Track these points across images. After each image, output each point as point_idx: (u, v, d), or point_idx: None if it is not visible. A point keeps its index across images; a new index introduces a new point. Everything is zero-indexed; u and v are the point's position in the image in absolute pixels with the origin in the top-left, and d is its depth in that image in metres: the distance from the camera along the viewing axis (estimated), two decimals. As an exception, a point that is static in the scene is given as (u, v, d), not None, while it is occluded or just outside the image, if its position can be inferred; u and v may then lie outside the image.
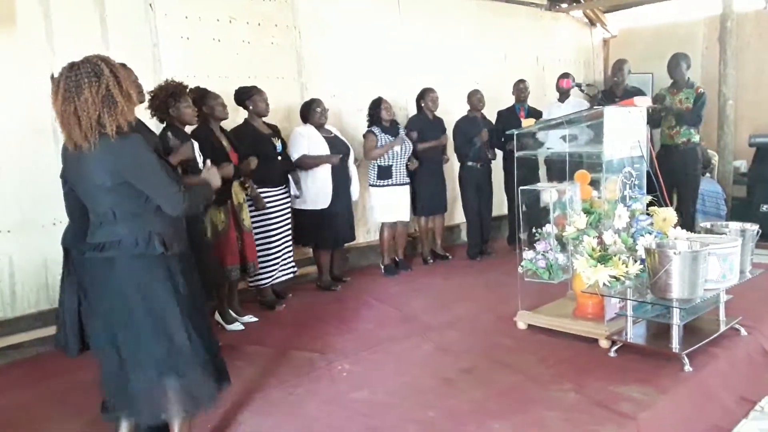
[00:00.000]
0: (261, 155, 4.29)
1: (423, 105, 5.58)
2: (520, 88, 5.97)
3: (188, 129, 3.86)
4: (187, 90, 3.75)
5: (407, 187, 5.42)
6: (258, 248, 4.37)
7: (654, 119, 5.36)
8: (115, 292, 2.26)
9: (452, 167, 5.91)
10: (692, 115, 5.44)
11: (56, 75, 2.21)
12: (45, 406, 3.15)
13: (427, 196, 5.61)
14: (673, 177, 5.38)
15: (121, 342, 2.28)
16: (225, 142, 4.06)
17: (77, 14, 4.08)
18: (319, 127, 4.85)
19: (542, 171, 5.71)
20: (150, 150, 2.25)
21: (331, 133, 4.96)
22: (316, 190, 4.81)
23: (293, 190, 4.72)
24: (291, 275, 4.73)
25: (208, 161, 2.66)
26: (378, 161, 5.22)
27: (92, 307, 2.42)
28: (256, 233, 4.39)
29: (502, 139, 5.68)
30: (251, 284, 4.57)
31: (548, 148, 4.48)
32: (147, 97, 3.59)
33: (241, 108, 4.50)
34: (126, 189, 2.21)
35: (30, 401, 3.23)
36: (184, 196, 2.26)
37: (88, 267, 2.35)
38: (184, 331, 2.30)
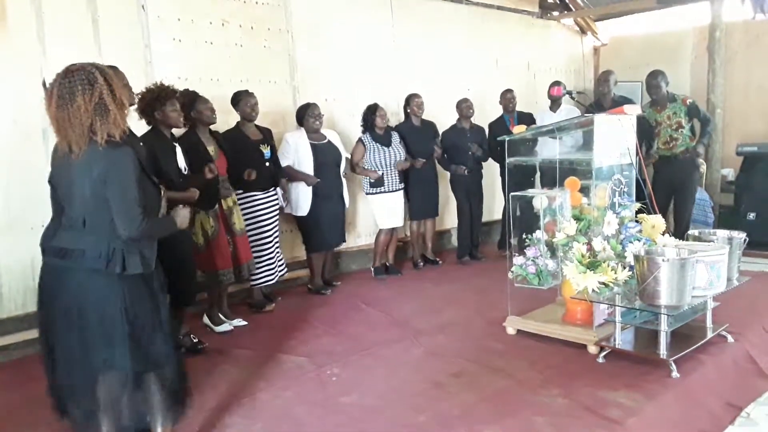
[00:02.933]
0: (249, 161, 4.29)
1: (409, 111, 5.59)
2: (508, 98, 5.96)
3: (177, 133, 3.85)
4: (176, 94, 3.72)
5: (401, 193, 5.45)
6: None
7: (647, 138, 5.37)
8: (69, 302, 2.24)
9: (443, 171, 5.92)
10: (706, 128, 5.39)
11: (48, 82, 2.21)
12: (31, 409, 3.10)
13: (418, 200, 5.63)
14: (672, 186, 5.43)
15: (71, 349, 2.26)
16: (212, 147, 4.03)
17: (69, 15, 4.07)
18: (314, 132, 4.86)
19: (537, 177, 5.73)
20: (135, 166, 2.22)
21: (325, 138, 4.97)
22: (296, 198, 4.89)
23: (281, 201, 4.76)
24: (279, 277, 4.72)
25: (185, 208, 2.61)
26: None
27: (46, 312, 2.36)
28: (248, 237, 4.37)
29: (498, 148, 5.70)
30: (250, 284, 4.58)
31: (539, 156, 4.50)
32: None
33: (231, 111, 4.49)
34: (101, 201, 2.19)
35: (16, 404, 3.20)
36: (142, 221, 2.21)
37: (47, 271, 2.32)
38: (126, 351, 2.26)
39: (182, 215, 2.52)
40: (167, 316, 2.44)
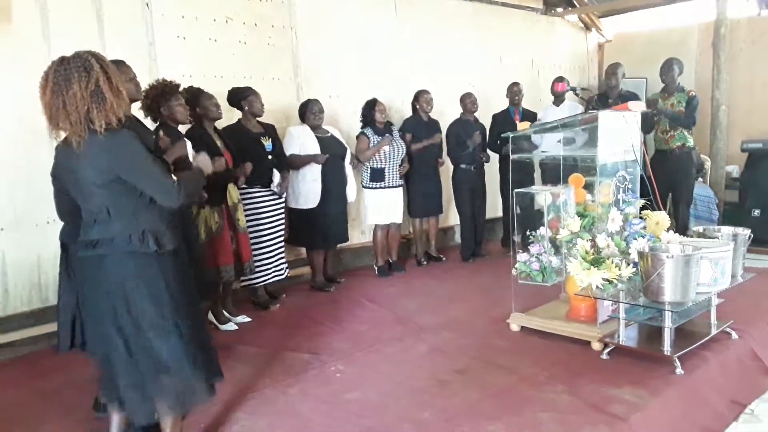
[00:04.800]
0: (251, 155, 4.29)
1: (417, 107, 5.59)
2: (514, 91, 5.99)
3: (183, 129, 3.86)
4: (180, 89, 3.74)
5: (401, 190, 5.44)
6: (252, 249, 4.35)
7: (647, 124, 5.38)
8: (108, 291, 2.25)
9: (447, 169, 5.92)
10: (687, 118, 5.48)
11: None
12: (38, 404, 3.14)
13: (422, 197, 5.63)
14: (668, 181, 5.42)
15: (114, 341, 2.27)
16: (219, 142, 4.06)
17: (74, 12, 4.08)
18: (315, 128, 4.86)
19: (537, 174, 5.74)
20: (140, 144, 2.23)
21: (328, 133, 4.97)
22: (306, 190, 4.82)
23: (275, 186, 4.56)
24: (282, 277, 4.72)
25: (202, 153, 2.62)
26: (371, 163, 5.23)
27: (87, 306, 2.42)
28: (249, 233, 4.38)
29: (498, 143, 5.72)
30: (243, 284, 4.56)
31: (543, 152, 4.50)
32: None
33: (235, 108, 4.50)
34: (118, 186, 2.20)
35: (23, 399, 3.22)
36: (179, 187, 2.24)
37: (82, 266, 2.35)
38: (174, 328, 2.29)
39: (203, 161, 2.54)
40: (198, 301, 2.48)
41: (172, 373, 2.30)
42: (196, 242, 3.56)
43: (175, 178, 2.29)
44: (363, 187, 5.35)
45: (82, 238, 2.30)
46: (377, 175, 5.26)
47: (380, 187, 5.28)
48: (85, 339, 2.71)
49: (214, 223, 3.96)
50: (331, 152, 4.87)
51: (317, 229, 4.91)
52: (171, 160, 3.36)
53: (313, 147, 4.78)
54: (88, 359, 2.62)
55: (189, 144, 3.70)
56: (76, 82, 2.10)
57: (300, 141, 4.78)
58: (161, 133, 3.60)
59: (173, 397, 2.33)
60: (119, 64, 2.76)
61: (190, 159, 3.60)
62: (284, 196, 4.72)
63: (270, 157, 4.50)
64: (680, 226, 5.35)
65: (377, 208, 5.32)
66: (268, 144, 4.50)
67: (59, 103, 2.11)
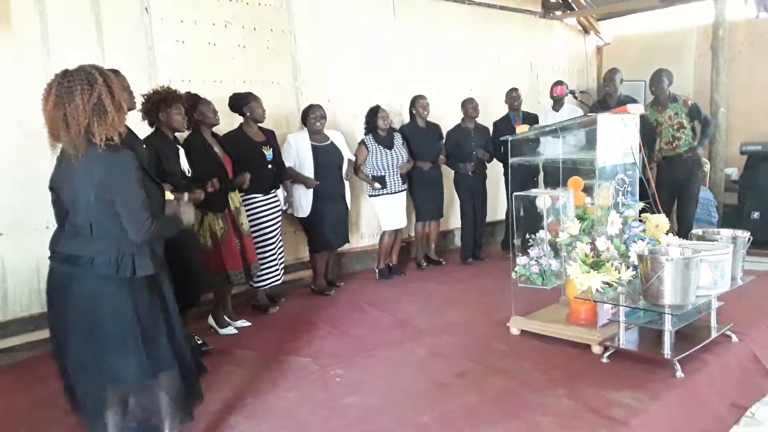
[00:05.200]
0: (251, 164, 4.30)
1: (414, 112, 5.59)
2: (513, 97, 6.00)
3: (181, 137, 3.86)
4: (182, 98, 3.72)
5: (404, 194, 5.45)
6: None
7: (649, 138, 5.36)
8: (79, 307, 2.24)
9: (448, 173, 5.92)
10: (706, 128, 5.43)
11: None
12: (37, 409, 3.13)
13: (424, 202, 5.64)
14: (676, 186, 5.42)
15: (82, 353, 2.27)
16: (217, 149, 4.06)
17: (73, 17, 4.08)
18: (316, 132, 4.87)
19: (541, 176, 5.72)
20: (137, 169, 2.22)
21: (328, 139, 4.98)
22: (299, 199, 4.91)
23: (282, 202, 4.76)
24: (278, 282, 4.71)
25: (185, 195, 2.61)
26: (371, 171, 5.25)
27: (54, 317, 2.36)
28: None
29: (502, 150, 5.71)
30: (253, 286, 4.58)
31: (542, 155, 4.49)
32: (140, 101, 3.58)
33: (237, 113, 4.50)
34: (107, 207, 2.19)
35: (25, 405, 3.21)
36: (151, 225, 2.22)
37: (54, 277, 2.32)
38: (135, 350, 2.27)
39: (188, 212, 2.52)
40: (178, 318, 2.45)
41: (135, 392, 2.32)
42: (191, 252, 3.54)
43: (151, 214, 2.25)
44: (369, 195, 5.38)
45: (60, 248, 2.28)
46: (379, 183, 5.27)
47: (384, 194, 5.29)
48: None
49: (219, 228, 3.97)
50: (327, 161, 4.91)
51: (317, 233, 4.97)
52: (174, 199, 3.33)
53: (306, 158, 4.82)
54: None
55: (183, 152, 3.71)
56: (79, 95, 2.11)
57: (296, 150, 4.83)
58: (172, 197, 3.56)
59: (140, 414, 2.34)
60: (114, 73, 2.76)
61: (183, 168, 3.62)
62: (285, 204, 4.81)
63: (270, 166, 4.51)
64: (685, 231, 5.33)
65: (388, 214, 5.36)
66: (268, 153, 4.51)
67: (61, 116, 2.12)
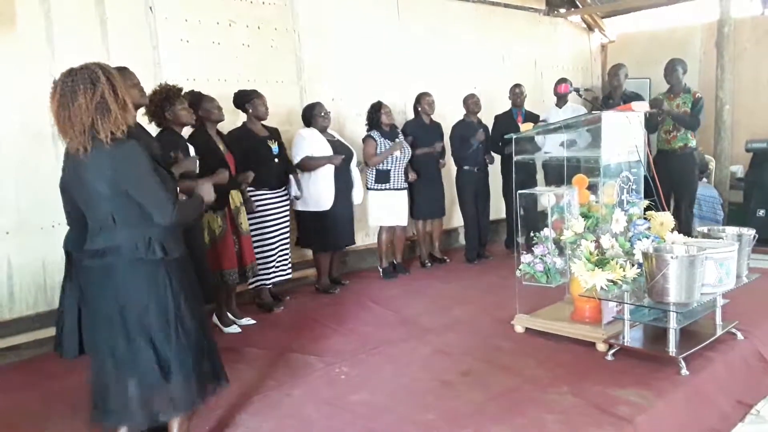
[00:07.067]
0: (257, 158, 4.30)
1: (419, 109, 5.59)
2: (517, 93, 6.00)
3: (185, 133, 3.87)
4: (182, 92, 3.75)
5: (405, 192, 5.43)
6: (255, 250, 4.37)
7: (651, 124, 5.37)
8: (113, 299, 2.26)
9: (450, 171, 5.93)
10: (692, 119, 5.47)
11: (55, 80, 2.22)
12: (43, 408, 3.15)
13: (425, 200, 5.62)
14: (670, 182, 5.41)
15: (118, 348, 2.28)
16: (221, 146, 4.07)
17: (77, 17, 4.10)
18: (322, 130, 4.86)
19: (540, 175, 5.73)
20: (145, 157, 2.24)
21: (334, 136, 4.97)
22: (318, 192, 4.79)
23: (294, 191, 4.69)
24: (286, 277, 4.72)
25: (207, 182, 2.64)
26: (377, 165, 5.23)
27: (90, 314, 2.43)
28: (253, 235, 4.39)
29: (500, 144, 5.72)
30: (251, 285, 4.57)
31: (546, 153, 4.49)
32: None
33: (239, 111, 4.51)
34: (125, 197, 2.22)
35: (28, 402, 3.23)
36: (174, 207, 2.25)
37: (87, 274, 2.36)
38: (180, 334, 2.31)
39: (206, 190, 2.55)
40: (202, 306, 2.49)
41: (172, 378, 2.31)
42: (199, 247, 3.57)
43: (173, 197, 2.29)
44: (368, 188, 5.35)
45: (87, 247, 2.31)
46: (382, 177, 5.25)
47: (385, 189, 5.27)
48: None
49: (218, 227, 3.97)
50: (342, 154, 4.87)
51: (327, 231, 4.89)
52: (179, 173, 3.36)
53: (326, 149, 4.77)
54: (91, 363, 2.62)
55: (193, 150, 3.72)
56: (82, 95, 2.13)
57: (311, 143, 4.76)
58: (173, 154, 3.59)
59: (176, 400, 2.34)
60: (122, 70, 2.78)
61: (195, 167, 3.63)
62: (293, 199, 4.74)
63: (276, 160, 4.50)
64: (683, 227, 5.33)
65: (382, 209, 5.32)
66: (274, 147, 4.51)
67: (66, 114, 2.15)
